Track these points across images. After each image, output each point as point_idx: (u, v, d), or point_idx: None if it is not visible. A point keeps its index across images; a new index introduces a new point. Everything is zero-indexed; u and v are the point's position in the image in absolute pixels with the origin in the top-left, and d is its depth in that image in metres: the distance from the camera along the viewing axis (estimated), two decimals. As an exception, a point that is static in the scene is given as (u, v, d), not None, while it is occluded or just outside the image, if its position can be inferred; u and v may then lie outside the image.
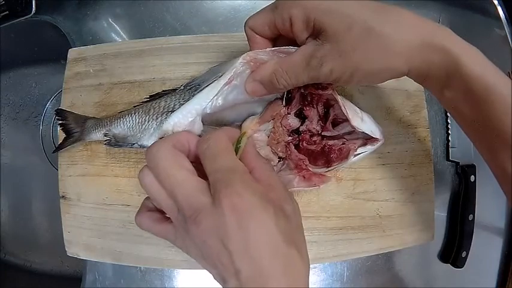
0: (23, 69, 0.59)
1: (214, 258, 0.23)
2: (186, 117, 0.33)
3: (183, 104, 0.34)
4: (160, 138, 0.34)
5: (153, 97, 0.39)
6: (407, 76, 0.28)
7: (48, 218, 0.57)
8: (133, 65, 0.44)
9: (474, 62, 0.26)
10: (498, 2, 0.52)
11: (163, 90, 0.39)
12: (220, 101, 0.33)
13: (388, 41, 0.26)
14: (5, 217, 0.57)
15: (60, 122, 0.40)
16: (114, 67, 0.44)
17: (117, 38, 0.48)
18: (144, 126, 0.36)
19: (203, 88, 0.33)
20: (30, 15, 0.49)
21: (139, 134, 0.36)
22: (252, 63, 0.31)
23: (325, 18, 0.26)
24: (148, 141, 0.35)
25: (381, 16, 0.26)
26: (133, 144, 0.37)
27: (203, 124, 0.34)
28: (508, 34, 0.52)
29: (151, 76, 0.43)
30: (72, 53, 0.45)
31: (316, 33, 0.27)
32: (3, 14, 0.48)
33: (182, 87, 0.36)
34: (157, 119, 0.35)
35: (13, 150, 0.58)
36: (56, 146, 0.41)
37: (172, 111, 0.35)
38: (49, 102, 0.59)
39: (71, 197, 0.42)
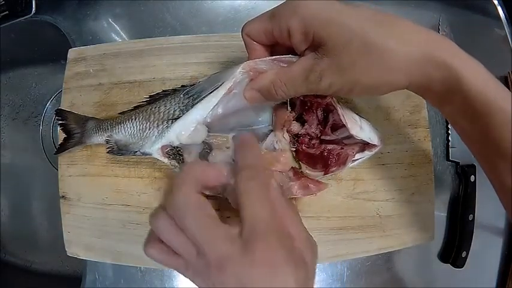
0: (23, 69, 0.59)
1: None
2: (187, 127, 0.34)
3: (182, 109, 0.35)
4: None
5: (153, 97, 0.39)
6: (407, 89, 0.28)
7: (48, 218, 0.57)
8: (134, 65, 0.44)
9: (475, 77, 0.25)
10: (498, 2, 0.52)
11: (163, 90, 0.39)
12: (220, 109, 0.33)
13: (389, 56, 0.25)
14: (5, 217, 0.57)
15: (60, 122, 0.40)
16: (114, 67, 0.44)
17: (117, 38, 0.48)
18: (145, 133, 0.36)
19: (203, 97, 0.34)
20: (30, 15, 0.49)
21: (141, 142, 0.37)
22: (251, 73, 0.31)
23: (324, 31, 0.25)
24: (150, 149, 0.36)
25: (382, 29, 0.25)
26: (136, 152, 0.37)
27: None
28: (508, 34, 0.52)
29: (151, 76, 0.43)
30: (72, 53, 0.45)
31: (316, 45, 0.27)
32: (3, 14, 0.48)
33: (182, 95, 0.36)
34: (158, 126, 0.36)
35: (13, 150, 0.58)
36: (56, 146, 0.41)
37: (173, 119, 0.35)
38: (49, 102, 0.59)
39: (71, 197, 0.42)
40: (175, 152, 0.35)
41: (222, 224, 0.25)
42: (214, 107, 0.33)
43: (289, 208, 0.28)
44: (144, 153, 0.36)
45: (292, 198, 0.40)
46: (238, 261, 0.23)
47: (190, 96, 0.35)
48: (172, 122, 0.35)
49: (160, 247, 0.28)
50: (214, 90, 0.33)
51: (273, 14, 0.28)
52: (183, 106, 0.35)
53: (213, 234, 0.24)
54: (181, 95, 0.36)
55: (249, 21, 0.30)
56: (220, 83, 0.33)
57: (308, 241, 0.27)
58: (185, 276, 0.27)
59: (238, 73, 0.31)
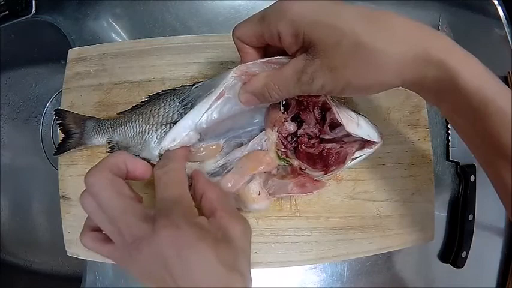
0: (23, 69, 0.59)
1: (159, 281, 0.23)
2: (180, 133, 0.34)
3: (181, 112, 0.35)
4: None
5: (152, 97, 0.39)
6: (401, 86, 0.27)
7: (48, 218, 0.57)
8: (133, 65, 0.44)
9: (472, 74, 0.24)
10: (498, 2, 0.52)
11: (163, 90, 0.40)
12: (215, 115, 0.33)
13: (380, 56, 0.25)
14: (5, 217, 0.57)
15: (59, 122, 0.40)
16: (114, 67, 0.44)
17: (117, 38, 0.48)
18: (144, 137, 0.36)
19: (197, 104, 0.34)
20: (30, 15, 0.49)
21: (140, 146, 0.37)
22: (243, 77, 0.31)
23: (314, 33, 0.25)
24: (149, 155, 0.36)
25: (372, 28, 0.25)
26: (136, 156, 0.37)
27: (203, 139, 0.35)
28: (508, 34, 0.52)
29: (151, 76, 0.43)
30: (72, 53, 0.45)
31: (306, 46, 0.26)
32: (3, 14, 0.48)
33: (178, 103, 0.36)
34: (157, 130, 0.36)
35: (13, 150, 0.58)
36: (56, 146, 0.41)
37: (172, 123, 0.35)
38: (49, 102, 0.59)
39: (71, 197, 0.42)
40: None
41: (138, 204, 0.25)
42: (206, 112, 0.33)
43: (211, 189, 0.29)
44: (144, 159, 0.36)
45: (291, 196, 0.40)
46: (151, 241, 0.23)
47: (187, 103, 0.35)
48: (170, 127, 0.35)
49: (92, 235, 0.28)
50: (207, 96, 0.33)
51: (262, 17, 0.28)
52: (182, 109, 0.35)
53: (128, 214, 0.24)
54: (178, 103, 0.36)
55: (239, 25, 0.29)
56: (213, 89, 0.33)
57: (234, 217, 0.26)
58: (118, 264, 0.27)
59: (230, 78, 0.31)
